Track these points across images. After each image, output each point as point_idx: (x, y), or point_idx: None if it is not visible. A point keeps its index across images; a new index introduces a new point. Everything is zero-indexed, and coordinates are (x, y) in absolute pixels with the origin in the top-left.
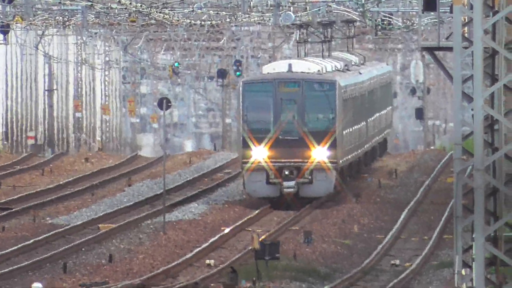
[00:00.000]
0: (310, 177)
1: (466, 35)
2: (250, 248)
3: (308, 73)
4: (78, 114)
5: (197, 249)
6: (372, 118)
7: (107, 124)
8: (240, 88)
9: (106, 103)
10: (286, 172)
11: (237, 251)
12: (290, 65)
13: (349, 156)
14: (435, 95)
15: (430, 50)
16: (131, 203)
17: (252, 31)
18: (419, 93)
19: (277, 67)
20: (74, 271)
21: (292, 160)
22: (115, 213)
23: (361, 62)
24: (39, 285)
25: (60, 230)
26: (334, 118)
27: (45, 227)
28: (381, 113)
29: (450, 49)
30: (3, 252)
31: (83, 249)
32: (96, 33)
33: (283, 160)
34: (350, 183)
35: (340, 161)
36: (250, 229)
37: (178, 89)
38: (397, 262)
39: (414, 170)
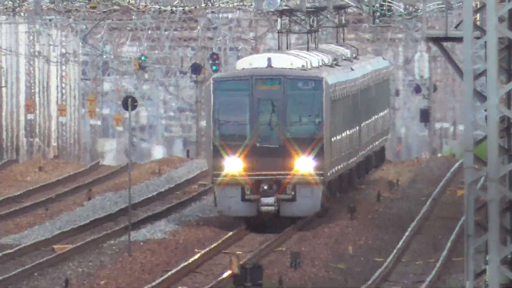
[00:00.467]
0: (292, 192)
1: (478, 23)
2: (228, 272)
3: (290, 69)
4: (30, 116)
5: (168, 274)
6: (367, 122)
7: (64, 127)
8: (210, 87)
9: (63, 102)
10: (265, 187)
11: (213, 276)
12: (269, 60)
13: (339, 167)
14: (443, 93)
15: (437, 40)
16: (91, 219)
17: (231, 19)
18: (424, 91)
19: (254, 61)
20: None
21: (272, 173)
22: (73, 231)
23: (354, 55)
24: None
25: (9, 251)
26: (321, 122)
27: None
28: (377, 116)
29: (459, 39)
30: None
31: (35, 273)
32: (51, 21)
33: (261, 173)
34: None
35: (328, 173)
36: (228, 251)
37: (146, 86)
38: None
39: (419, 181)
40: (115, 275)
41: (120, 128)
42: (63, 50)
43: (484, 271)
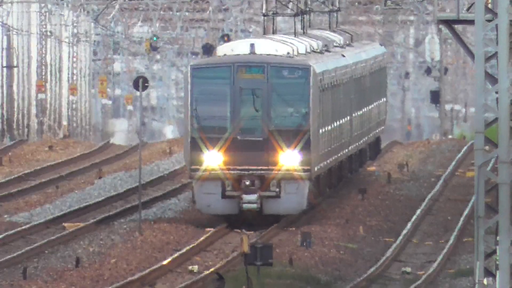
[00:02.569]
0: (277, 189)
1: (489, 5)
2: (239, 251)
3: (275, 55)
4: (41, 95)
5: (178, 253)
6: (359, 113)
7: (75, 107)
8: (188, 74)
9: (74, 82)
10: (247, 183)
11: (224, 255)
12: (252, 46)
13: (328, 161)
14: (454, 75)
15: (448, 23)
16: (102, 198)
17: (243, 0)
18: (435, 73)
19: (236, 47)
20: (36, 276)
21: (255, 168)
22: (84, 210)
23: (347, 42)
24: None
25: (19, 229)
26: (308, 113)
27: (3, 225)
28: (371, 106)
29: (471, 22)
30: None
31: (46, 251)
32: (62, 0)
33: (243, 167)
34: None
35: (316, 168)
36: (239, 230)
37: (157, 66)
38: (408, 269)
39: (429, 162)
40: (126, 254)
41: (130, 108)
42: (75, 30)
43: (494, 252)
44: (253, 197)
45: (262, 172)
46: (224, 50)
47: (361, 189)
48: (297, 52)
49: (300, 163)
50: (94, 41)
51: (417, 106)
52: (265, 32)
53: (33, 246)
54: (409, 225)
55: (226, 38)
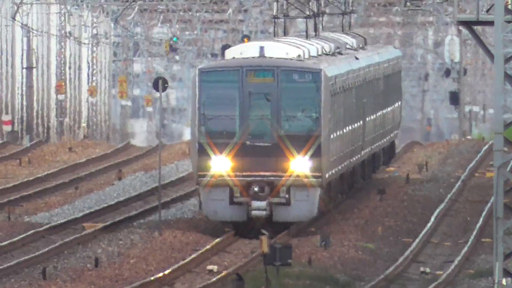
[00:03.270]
0: (286, 196)
1: (509, 7)
2: (258, 252)
3: (285, 59)
4: (60, 96)
5: (197, 253)
6: (372, 117)
7: (94, 108)
8: (196, 78)
9: (94, 83)
10: (256, 189)
11: (243, 255)
12: (262, 48)
13: (339, 167)
14: (473, 76)
15: (468, 24)
16: (122, 199)
17: (262, 1)
18: (454, 74)
19: (245, 50)
20: (55, 277)
21: (264, 174)
22: (103, 210)
23: (360, 45)
24: None
25: (39, 229)
26: (319, 118)
27: (22, 226)
28: (385, 110)
29: (491, 23)
30: None
31: (65, 251)
32: (82, 2)
33: (251, 173)
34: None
35: (327, 175)
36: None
37: (177, 67)
38: (427, 269)
39: (448, 163)
40: (145, 254)
41: (150, 109)
42: (95, 31)
43: None
44: (262, 204)
45: (271, 178)
46: (233, 53)
47: (380, 190)
48: (308, 55)
49: (310, 169)
50: (114, 42)
51: (436, 107)
52: (285, 34)
53: (53, 247)
54: (428, 225)
55: (246, 39)
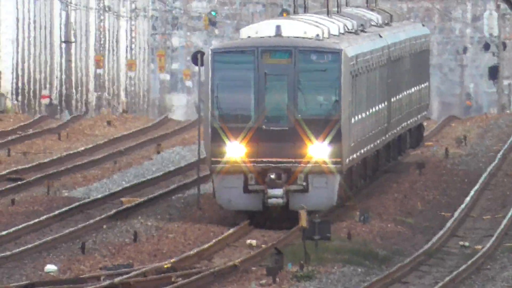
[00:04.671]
0: (304, 183)
1: None
2: (297, 226)
3: (303, 38)
4: (99, 71)
5: (236, 227)
6: (398, 97)
7: (133, 82)
8: (209, 59)
9: (132, 57)
10: (272, 176)
11: (283, 230)
12: (278, 27)
13: (361, 152)
14: None
15: None
16: (160, 173)
17: None
18: (493, 48)
19: (261, 29)
20: (94, 251)
21: (280, 160)
22: (142, 185)
23: (385, 21)
24: (54, 267)
25: (77, 204)
26: (338, 101)
27: (61, 200)
28: (412, 90)
29: None
30: (12, 229)
31: (104, 226)
32: None
33: (267, 160)
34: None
35: (347, 160)
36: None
37: (216, 41)
38: (466, 243)
39: (487, 137)
40: (184, 228)
41: (189, 83)
42: (133, 6)
43: None
44: (279, 191)
45: (288, 164)
46: (248, 32)
47: (419, 164)
48: (328, 33)
49: (329, 155)
50: (152, 16)
51: (476, 81)
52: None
53: (91, 221)
54: (467, 199)
55: (284, 14)
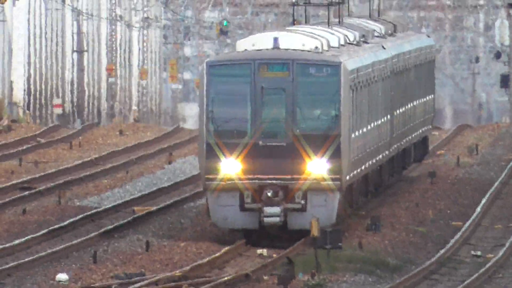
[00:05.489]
0: (302, 201)
1: None
2: (308, 235)
3: (302, 51)
4: (111, 80)
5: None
6: (401, 110)
7: (145, 91)
8: (204, 72)
9: (144, 66)
10: (269, 194)
11: (294, 239)
12: (275, 40)
13: (362, 168)
14: None
15: None
16: (172, 182)
17: None
18: (505, 57)
19: (258, 42)
20: (105, 260)
21: (278, 177)
22: (153, 194)
23: (389, 32)
24: (65, 276)
25: (89, 213)
26: (338, 116)
27: (72, 209)
28: (416, 102)
29: None
30: (24, 238)
31: (115, 235)
32: None
33: (264, 176)
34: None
35: (347, 177)
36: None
37: (227, 51)
38: (478, 252)
39: (498, 146)
40: (196, 237)
41: None
42: (145, 15)
43: None
44: (276, 209)
45: (286, 181)
46: (244, 44)
47: (430, 173)
48: (328, 46)
49: (329, 171)
50: (164, 25)
51: (487, 90)
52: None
53: (103, 230)
54: (478, 208)
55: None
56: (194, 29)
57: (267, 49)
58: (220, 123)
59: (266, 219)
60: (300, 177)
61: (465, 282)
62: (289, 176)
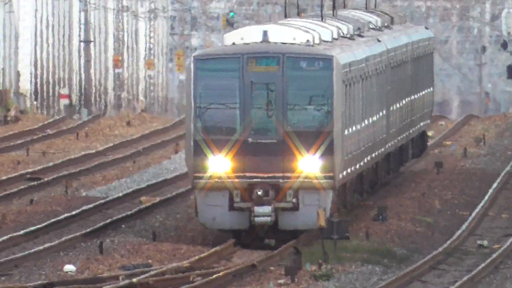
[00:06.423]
0: (294, 200)
1: None
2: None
3: (292, 44)
4: (118, 70)
5: None
6: (398, 105)
7: (152, 81)
8: (191, 67)
9: (151, 57)
10: (259, 193)
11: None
12: (265, 33)
13: (356, 166)
14: None
15: None
16: (179, 173)
17: None
18: (511, 47)
19: (247, 35)
20: (112, 251)
21: (268, 175)
22: (160, 184)
23: (385, 24)
24: (72, 267)
25: (96, 203)
26: (330, 111)
27: (79, 200)
28: (413, 97)
29: None
30: (31, 228)
31: (122, 225)
32: None
33: (254, 175)
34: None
35: (340, 175)
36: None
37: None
38: (485, 243)
39: (505, 136)
40: (203, 228)
41: None
42: (152, 6)
43: None
44: (267, 209)
45: (277, 180)
46: (232, 38)
47: (437, 163)
48: (319, 39)
49: (321, 169)
50: (171, 16)
51: (494, 81)
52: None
53: (110, 221)
54: (485, 198)
55: (302, 14)
56: (201, 20)
57: (256, 43)
58: (208, 119)
59: (256, 219)
60: (292, 175)
61: (472, 272)
62: (280, 174)
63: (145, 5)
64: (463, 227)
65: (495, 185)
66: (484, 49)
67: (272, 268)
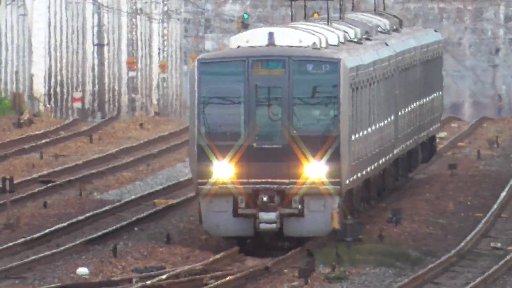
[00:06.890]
0: (300, 206)
1: None
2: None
3: (298, 47)
4: (132, 73)
5: None
6: (407, 110)
7: (166, 84)
8: (195, 70)
9: (165, 60)
10: (264, 199)
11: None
12: (271, 35)
13: (363, 172)
14: None
15: None
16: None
17: None
18: None
19: (252, 38)
20: (126, 254)
21: (273, 180)
22: (174, 186)
23: (394, 27)
24: (85, 270)
25: (110, 206)
26: (337, 116)
27: (93, 203)
28: (422, 101)
29: None
30: (44, 231)
31: (136, 228)
32: None
33: (259, 180)
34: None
35: (347, 181)
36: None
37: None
38: (498, 245)
39: None
40: None
41: None
42: (165, 8)
43: None
44: (272, 215)
45: (282, 186)
46: (238, 41)
47: (451, 165)
48: (326, 42)
49: (327, 175)
50: (185, 18)
51: (508, 82)
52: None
53: (124, 223)
54: (499, 200)
55: (316, 14)
56: (215, 22)
57: (261, 46)
58: (212, 124)
59: (261, 226)
60: (297, 180)
61: (485, 274)
62: (285, 180)
63: (159, 7)
64: (477, 229)
65: (508, 187)
66: (497, 50)
67: (285, 270)
